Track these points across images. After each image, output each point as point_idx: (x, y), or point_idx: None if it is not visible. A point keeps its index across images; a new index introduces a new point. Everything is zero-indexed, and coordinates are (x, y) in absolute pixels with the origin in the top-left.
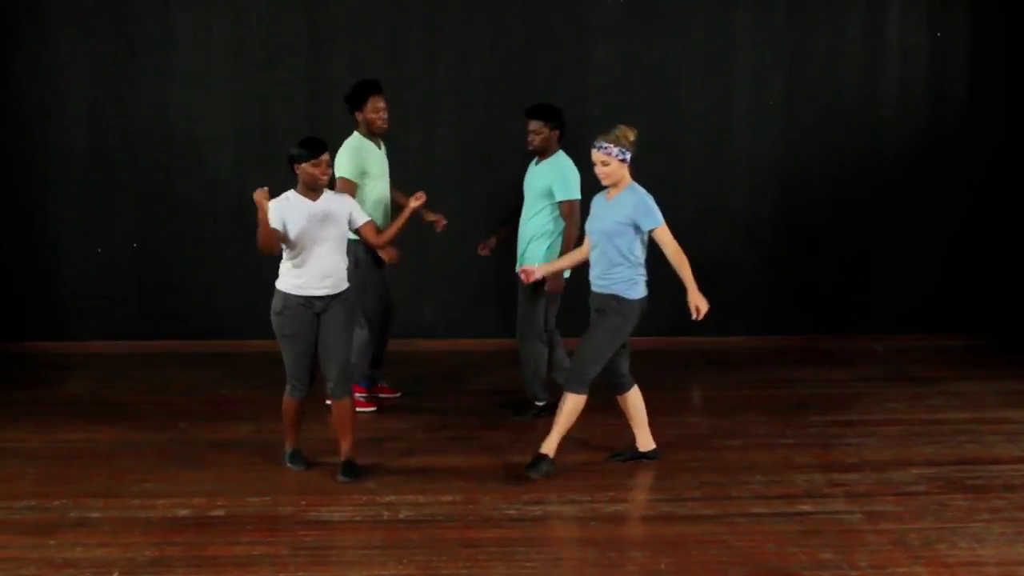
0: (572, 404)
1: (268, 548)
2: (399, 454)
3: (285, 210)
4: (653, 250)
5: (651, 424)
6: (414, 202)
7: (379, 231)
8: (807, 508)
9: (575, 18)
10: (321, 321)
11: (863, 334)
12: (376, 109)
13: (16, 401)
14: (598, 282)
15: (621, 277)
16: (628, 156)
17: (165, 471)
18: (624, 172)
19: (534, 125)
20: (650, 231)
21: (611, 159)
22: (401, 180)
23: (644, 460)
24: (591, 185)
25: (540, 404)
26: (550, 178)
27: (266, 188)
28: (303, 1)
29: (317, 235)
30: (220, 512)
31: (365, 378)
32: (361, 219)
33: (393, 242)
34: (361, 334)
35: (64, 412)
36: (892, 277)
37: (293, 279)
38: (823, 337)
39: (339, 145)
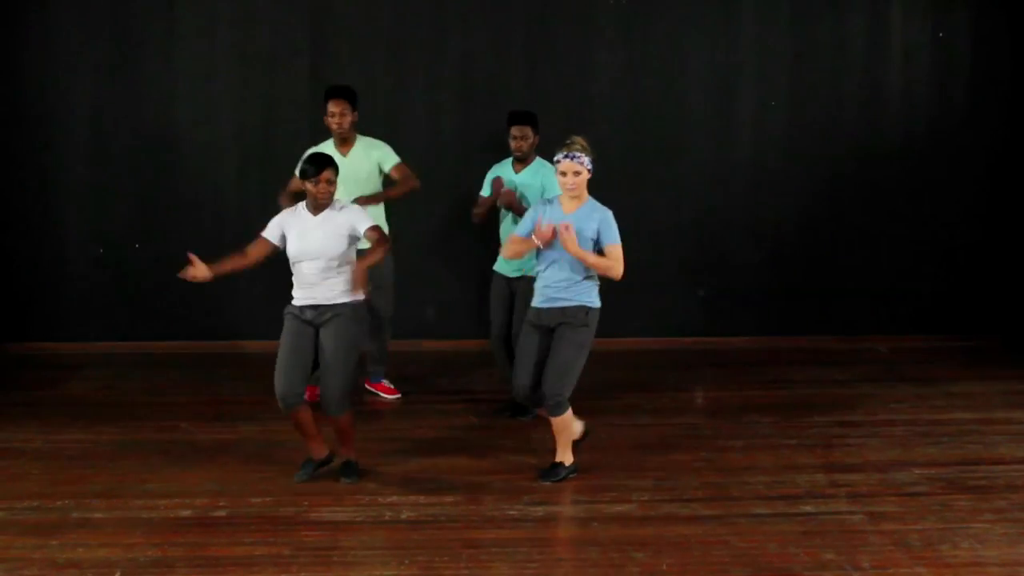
0: (562, 423)
1: (270, 548)
2: (401, 455)
3: (287, 221)
4: (661, 254)
5: (652, 424)
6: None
7: (381, 238)
8: (809, 509)
9: (578, 18)
10: (319, 336)
11: (866, 335)
12: (330, 113)
13: (18, 402)
14: (561, 295)
15: (588, 288)
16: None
17: (167, 471)
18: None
19: (524, 131)
20: (606, 245)
21: (583, 169)
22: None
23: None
24: None
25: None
26: (542, 184)
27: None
28: (306, 3)
29: (307, 249)
30: (222, 512)
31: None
32: (363, 227)
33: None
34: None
35: (66, 413)
36: (895, 277)
37: (294, 287)
38: (826, 338)
39: None
